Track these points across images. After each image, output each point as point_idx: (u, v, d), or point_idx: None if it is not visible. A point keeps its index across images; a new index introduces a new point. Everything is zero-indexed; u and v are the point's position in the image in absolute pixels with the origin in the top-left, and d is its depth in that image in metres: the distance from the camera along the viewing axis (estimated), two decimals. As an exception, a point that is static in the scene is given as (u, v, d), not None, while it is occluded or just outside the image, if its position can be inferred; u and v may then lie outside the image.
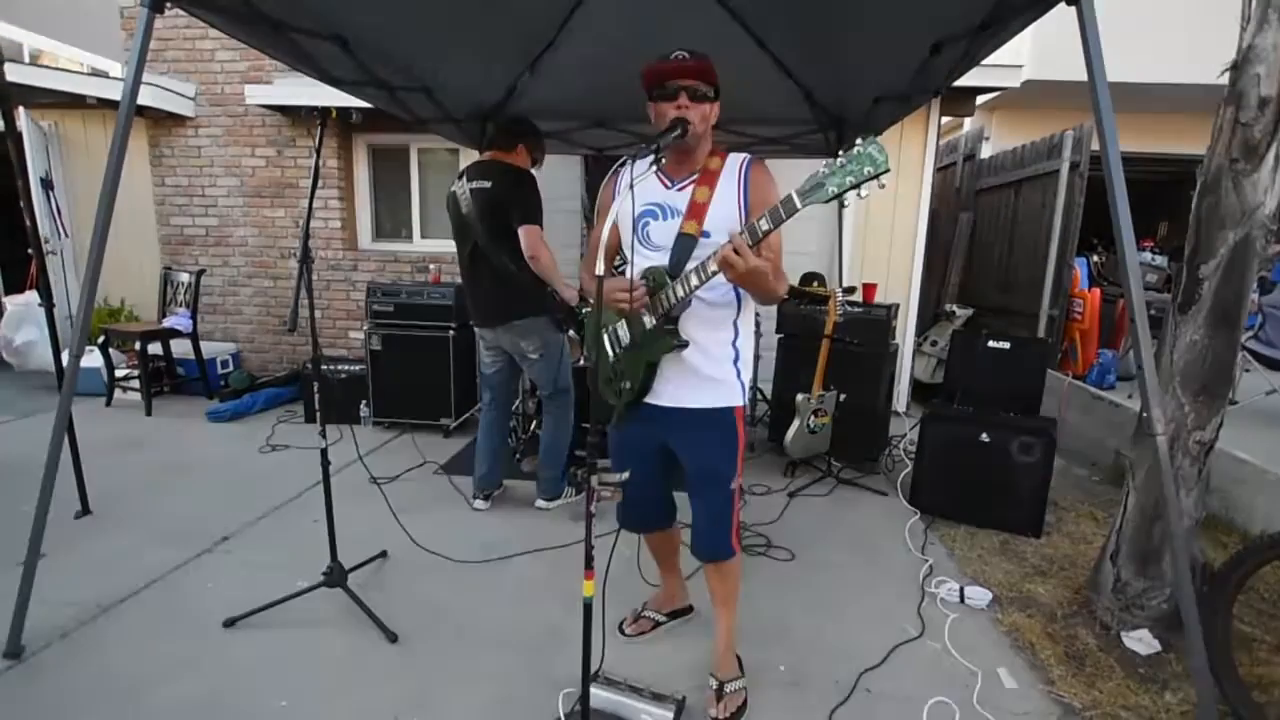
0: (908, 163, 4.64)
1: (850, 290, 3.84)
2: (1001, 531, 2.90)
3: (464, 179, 2.71)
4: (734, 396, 1.68)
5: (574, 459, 3.40)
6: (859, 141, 1.27)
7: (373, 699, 1.78)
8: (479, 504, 3.01)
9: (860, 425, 3.60)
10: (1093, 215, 5.27)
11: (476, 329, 2.91)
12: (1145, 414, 1.57)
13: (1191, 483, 2.10)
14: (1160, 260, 6.33)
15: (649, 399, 1.69)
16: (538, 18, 2.53)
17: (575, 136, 3.77)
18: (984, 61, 2.13)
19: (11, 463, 3.35)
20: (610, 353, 1.75)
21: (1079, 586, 2.44)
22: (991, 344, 3.19)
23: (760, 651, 2.02)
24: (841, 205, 1.31)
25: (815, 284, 4.03)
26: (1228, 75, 1.95)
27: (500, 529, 2.83)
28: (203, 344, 4.73)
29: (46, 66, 5.68)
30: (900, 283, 4.80)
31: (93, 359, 4.43)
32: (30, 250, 2.95)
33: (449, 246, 5.14)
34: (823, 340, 3.39)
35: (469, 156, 4.67)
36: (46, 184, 5.05)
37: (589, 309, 2.52)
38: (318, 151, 2.06)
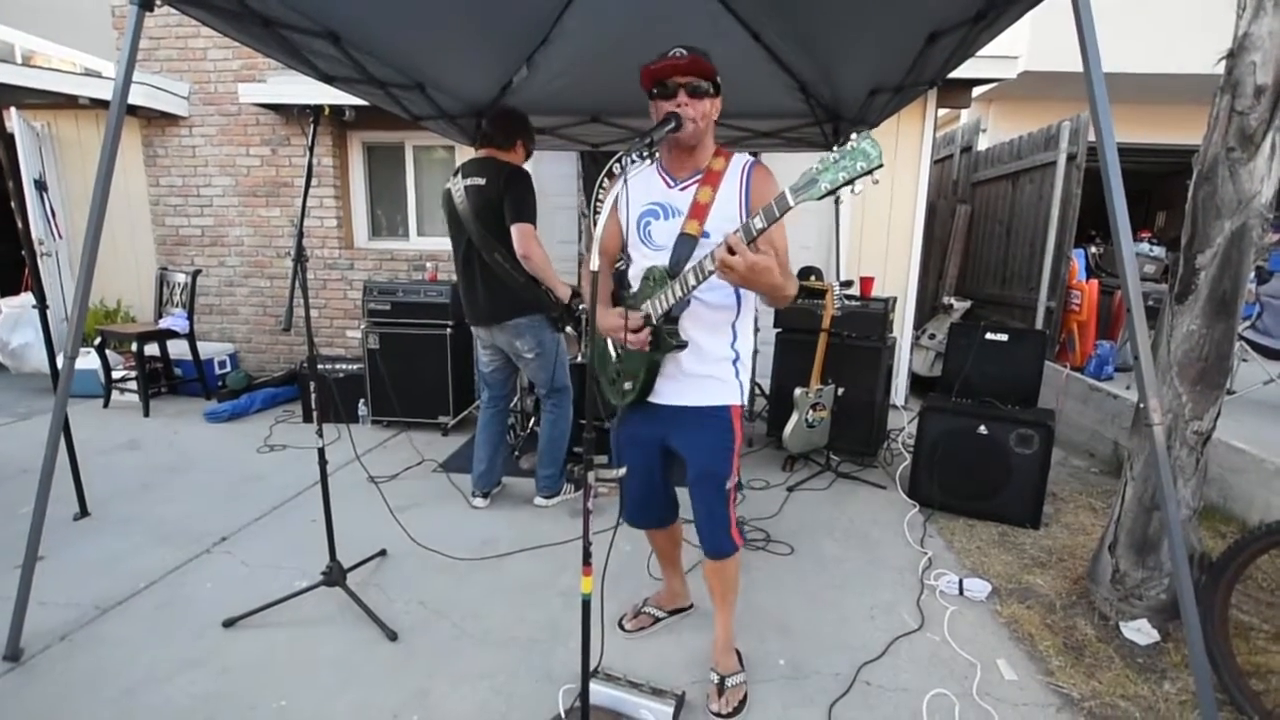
0: (904, 155, 4.63)
1: (847, 284, 3.84)
2: (1000, 523, 2.91)
3: (459, 176, 2.70)
4: (732, 395, 1.69)
5: (573, 456, 3.41)
6: (853, 137, 1.27)
7: (372, 697, 1.78)
8: (478, 502, 3.01)
9: (858, 419, 3.61)
10: (1090, 207, 5.27)
11: (473, 328, 2.90)
12: (1143, 404, 1.57)
13: (1189, 472, 2.10)
14: (1158, 251, 6.33)
15: (650, 398, 1.70)
16: (532, 13, 2.52)
17: (570, 132, 3.75)
18: (980, 52, 2.12)
19: (9, 465, 3.34)
20: (613, 354, 1.75)
21: (1078, 577, 2.45)
22: (989, 336, 3.19)
23: (760, 645, 2.03)
24: (837, 201, 1.30)
25: (812, 278, 4.02)
26: (1224, 64, 1.94)
27: (499, 526, 2.83)
28: (200, 344, 4.72)
29: (39, 67, 5.64)
30: (898, 276, 4.79)
31: (89, 361, 4.42)
32: (24, 252, 2.94)
33: (445, 244, 5.14)
34: (820, 334, 3.39)
35: (465, 154, 4.66)
36: (40, 185, 5.03)
37: (585, 306, 2.53)
38: (311, 149, 2.05)
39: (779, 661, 1.98)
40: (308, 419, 4.22)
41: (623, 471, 1.42)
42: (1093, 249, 5.85)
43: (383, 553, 2.54)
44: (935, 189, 6.17)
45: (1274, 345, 4.08)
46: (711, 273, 1.44)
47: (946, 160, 6.74)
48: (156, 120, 5.09)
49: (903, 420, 4.40)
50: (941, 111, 5.02)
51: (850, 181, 1.26)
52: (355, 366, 4.21)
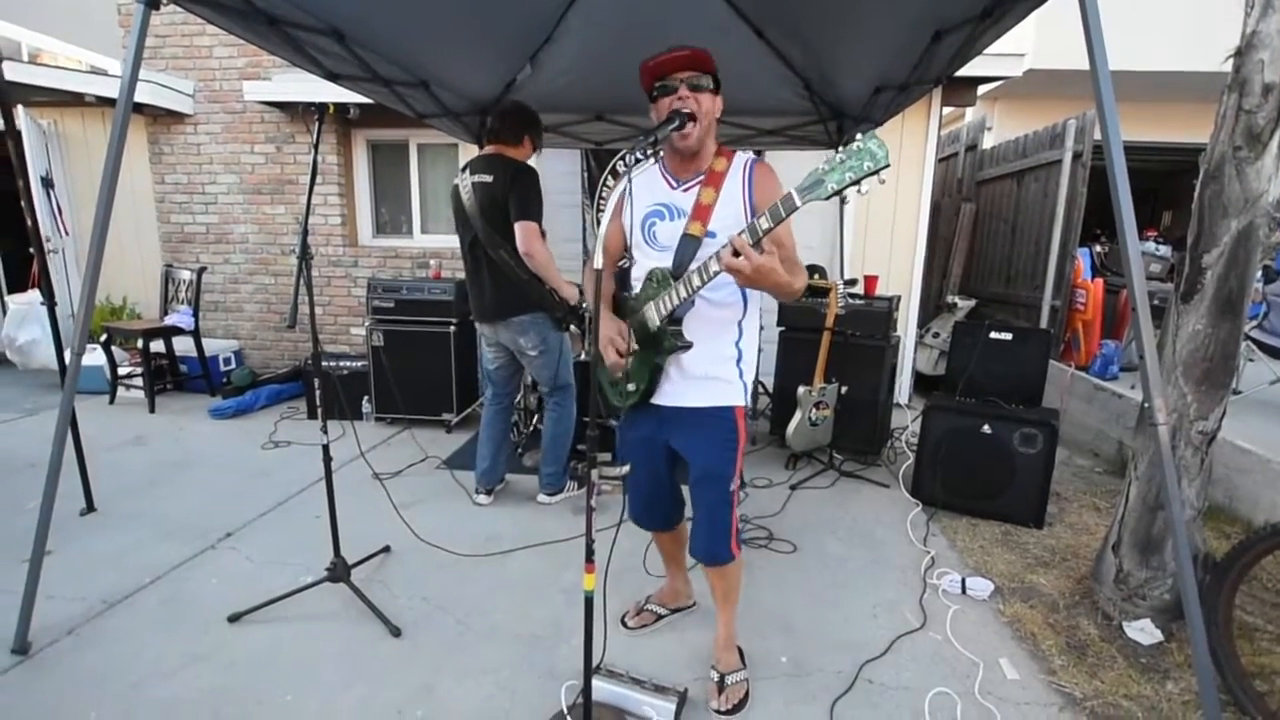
0: (909, 153, 4.61)
1: (851, 282, 3.84)
2: (1003, 522, 2.90)
3: (467, 172, 2.70)
4: (735, 396, 1.68)
5: (576, 454, 3.41)
6: (859, 136, 1.26)
7: (376, 692, 1.79)
8: (481, 499, 3.02)
9: (862, 418, 3.60)
10: (1096, 205, 5.25)
11: (477, 325, 2.91)
12: (1147, 404, 1.56)
13: (1194, 472, 2.10)
14: (1164, 250, 6.30)
15: (654, 399, 1.70)
16: (536, 10, 2.52)
17: (574, 130, 3.76)
18: (986, 50, 2.11)
19: (16, 461, 3.37)
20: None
21: (1081, 577, 2.44)
22: (994, 335, 3.17)
23: (762, 643, 2.03)
24: (843, 201, 1.30)
25: (816, 276, 4.01)
26: (1231, 62, 1.93)
27: (502, 523, 2.84)
28: (205, 341, 4.75)
29: (45, 65, 5.66)
30: (902, 274, 4.78)
31: (95, 357, 4.45)
32: (32, 249, 2.96)
33: (449, 242, 5.16)
34: (824, 333, 3.38)
35: (468, 151, 4.66)
36: (47, 183, 5.05)
37: (589, 305, 2.52)
38: (315, 147, 2.06)
39: (781, 659, 1.98)
40: (312, 416, 4.24)
41: (626, 469, 1.42)
42: (1098, 248, 5.82)
43: (387, 549, 2.55)
44: (940, 187, 6.16)
45: (1280, 345, 4.06)
46: (717, 273, 1.44)
47: (951, 158, 6.72)
48: (162, 118, 5.11)
49: (906, 419, 4.39)
50: (946, 110, 5.01)
51: (857, 182, 1.26)
52: (359, 364, 4.23)
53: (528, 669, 1.90)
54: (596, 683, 1.68)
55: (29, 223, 2.88)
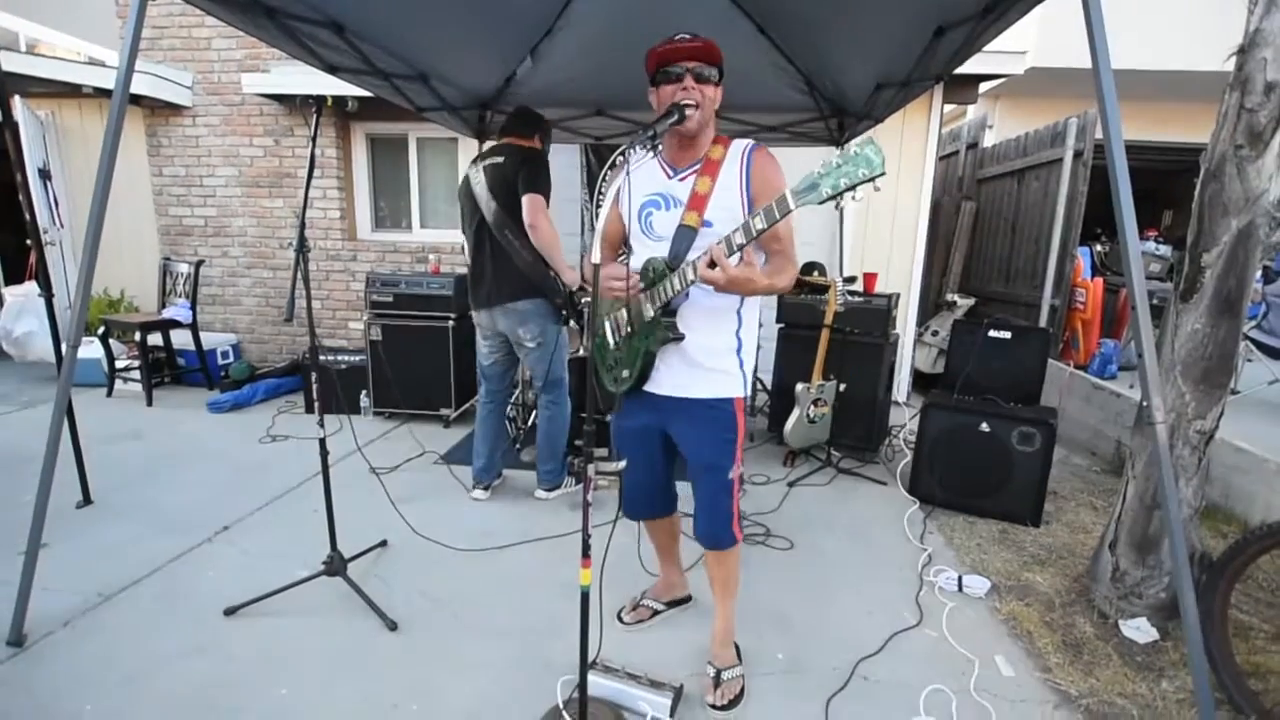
0: (910, 151, 4.61)
1: (851, 279, 3.83)
2: (1001, 521, 2.90)
3: (478, 161, 2.74)
4: (734, 388, 1.68)
5: (573, 449, 3.41)
6: (855, 142, 1.27)
7: (372, 686, 1.79)
8: (477, 494, 3.02)
9: (860, 415, 3.60)
10: (1096, 204, 5.24)
11: (475, 315, 2.91)
12: (1145, 402, 1.56)
13: (1191, 471, 2.10)
14: (1164, 250, 6.30)
15: (650, 387, 1.69)
16: (536, 4, 2.50)
17: (574, 125, 3.74)
18: (987, 48, 2.11)
19: (13, 453, 3.36)
20: (610, 342, 1.74)
21: (1077, 575, 2.45)
22: (993, 334, 3.17)
23: (758, 639, 2.03)
24: (837, 207, 1.29)
25: (816, 273, 4.01)
26: (1233, 60, 1.92)
27: (499, 518, 2.84)
28: (202, 335, 4.74)
29: (42, 55, 5.63)
30: (901, 272, 4.78)
31: (93, 350, 4.44)
32: (29, 241, 2.95)
33: (448, 236, 5.15)
34: (823, 330, 3.38)
35: (468, 145, 4.65)
36: (44, 174, 5.03)
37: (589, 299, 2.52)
38: (314, 140, 2.05)
39: (777, 655, 1.98)
40: (310, 410, 4.23)
41: (623, 465, 1.42)
42: (1098, 247, 5.82)
43: (384, 543, 2.55)
44: (940, 185, 6.14)
45: (1279, 345, 4.06)
46: (693, 282, 1.44)
47: (952, 157, 6.70)
48: (160, 110, 5.09)
49: (904, 417, 4.39)
50: (948, 107, 5.00)
51: (852, 188, 1.26)
52: (357, 358, 4.22)
53: (524, 663, 1.90)
54: (592, 678, 1.69)
55: (26, 215, 2.87)
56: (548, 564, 2.46)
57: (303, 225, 1.98)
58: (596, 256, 1.35)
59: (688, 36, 1.52)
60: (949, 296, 5.56)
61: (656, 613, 2.14)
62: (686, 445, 1.73)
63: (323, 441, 2.12)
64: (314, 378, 2.08)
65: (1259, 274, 3.98)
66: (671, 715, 1.68)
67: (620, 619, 2.10)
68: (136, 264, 5.36)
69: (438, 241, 5.11)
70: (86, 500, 2.82)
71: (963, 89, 4.64)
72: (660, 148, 1.52)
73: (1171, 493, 1.55)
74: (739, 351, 1.69)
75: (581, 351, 3.46)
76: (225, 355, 5.10)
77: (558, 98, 3.32)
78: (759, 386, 4.34)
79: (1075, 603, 2.30)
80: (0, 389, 4.57)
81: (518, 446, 3.64)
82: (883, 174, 1.24)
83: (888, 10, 2.17)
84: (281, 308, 5.27)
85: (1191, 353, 2.05)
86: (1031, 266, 5.16)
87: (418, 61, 2.80)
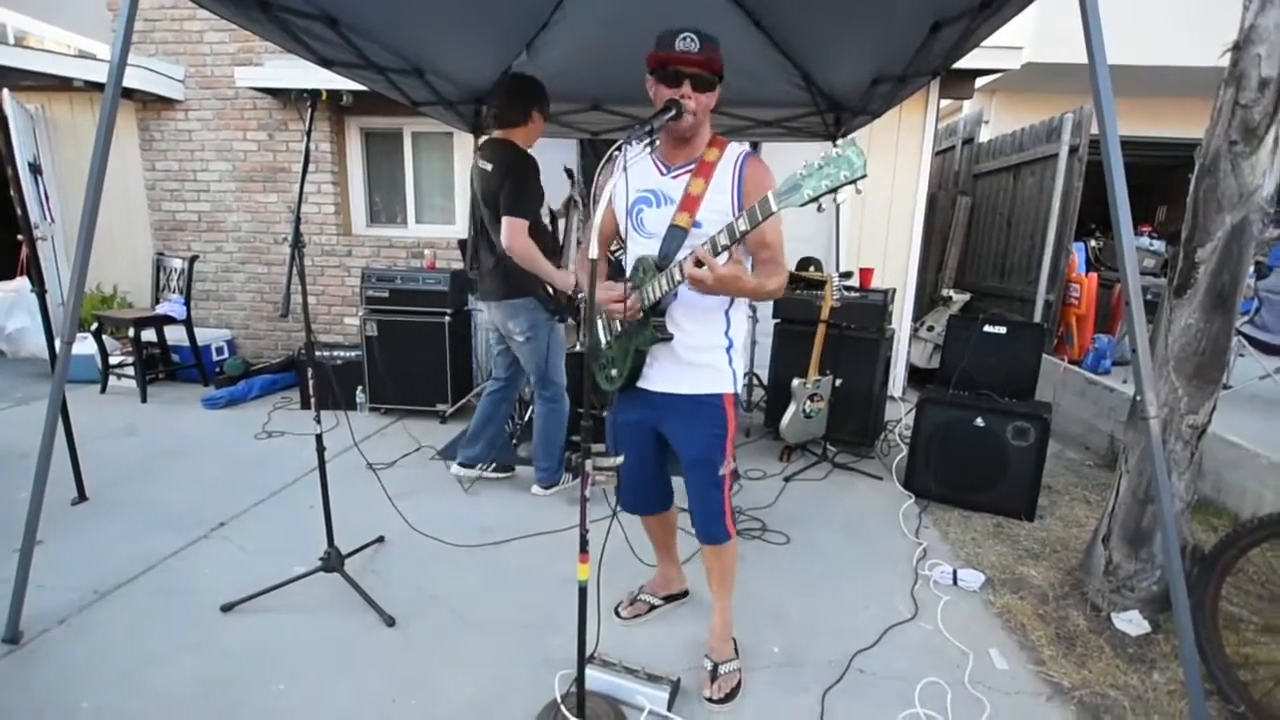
0: (906, 146, 4.61)
1: (847, 275, 3.83)
2: (995, 515, 2.92)
3: (479, 154, 2.74)
4: (724, 383, 1.69)
5: (571, 445, 3.41)
6: (838, 144, 1.27)
7: (370, 681, 1.80)
8: (454, 467, 3.08)
9: (856, 410, 3.62)
10: (1091, 200, 5.25)
11: (476, 304, 2.94)
12: (1139, 397, 1.57)
13: (1183, 466, 2.12)
14: (1158, 245, 6.33)
15: (642, 384, 1.70)
16: (531, -3, 2.49)
17: (571, 120, 3.73)
18: (984, 43, 2.11)
19: (7, 450, 3.34)
20: (602, 340, 1.75)
21: (1071, 569, 2.47)
22: (988, 329, 3.19)
23: (755, 633, 2.04)
24: (819, 209, 1.29)
25: (811, 269, 4.02)
26: (1229, 56, 1.93)
27: (497, 514, 2.84)
28: (197, 330, 4.71)
29: (31, 48, 5.57)
30: (897, 267, 4.78)
31: (87, 346, 4.41)
32: (20, 236, 2.92)
33: (444, 231, 5.13)
34: (819, 325, 3.39)
35: (463, 140, 4.62)
36: (35, 168, 4.98)
37: (584, 295, 2.52)
38: (308, 134, 2.04)
39: (773, 649, 1.99)
40: (305, 406, 4.22)
41: (620, 460, 1.43)
42: (1093, 242, 5.85)
43: (380, 539, 2.55)
44: (936, 180, 6.16)
45: (1272, 340, 4.09)
46: (680, 282, 1.44)
47: (948, 152, 6.71)
48: (152, 104, 5.04)
49: (900, 412, 4.41)
50: (944, 102, 4.99)
51: (833, 190, 1.26)
52: (353, 354, 4.21)
53: (522, 658, 1.90)
54: (590, 672, 1.69)
55: (17, 210, 2.84)
56: (545, 559, 2.47)
57: (298, 220, 1.97)
58: (594, 251, 1.35)
59: (693, 40, 1.50)
60: (944, 292, 5.57)
61: (654, 607, 2.15)
62: (677, 440, 1.74)
63: (319, 437, 2.12)
64: (310, 373, 2.07)
65: (1252, 269, 4.00)
66: (669, 708, 1.70)
67: (618, 614, 2.11)
68: (130, 259, 5.32)
69: (433, 237, 5.09)
70: (82, 497, 2.81)
71: (959, 84, 4.64)
72: (657, 143, 1.52)
73: (1164, 487, 1.57)
74: (729, 350, 1.70)
75: (579, 347, 3.46)
76: (220, 351, 5.08)
77: (554, 92, 3.27)
78: (755, 381, 4.35)
79: (1068, 596, 2.32)
80: (-7, 385, 4.54)
81: (515, 442, 3.64)
82: (864, 176, 1.24)
83: (884, 5, 2.17)
84: (276, 303, 5.25)
85: (1185, 348, 2.06)
86: (1026, 262, 5.18)
87: (413, 55, 2.78)
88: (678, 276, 1.49)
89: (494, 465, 3.17)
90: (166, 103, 5.03)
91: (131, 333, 4.30)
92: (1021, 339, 3.15)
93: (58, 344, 1.88)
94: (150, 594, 2.18)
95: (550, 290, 2.74)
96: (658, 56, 1.52)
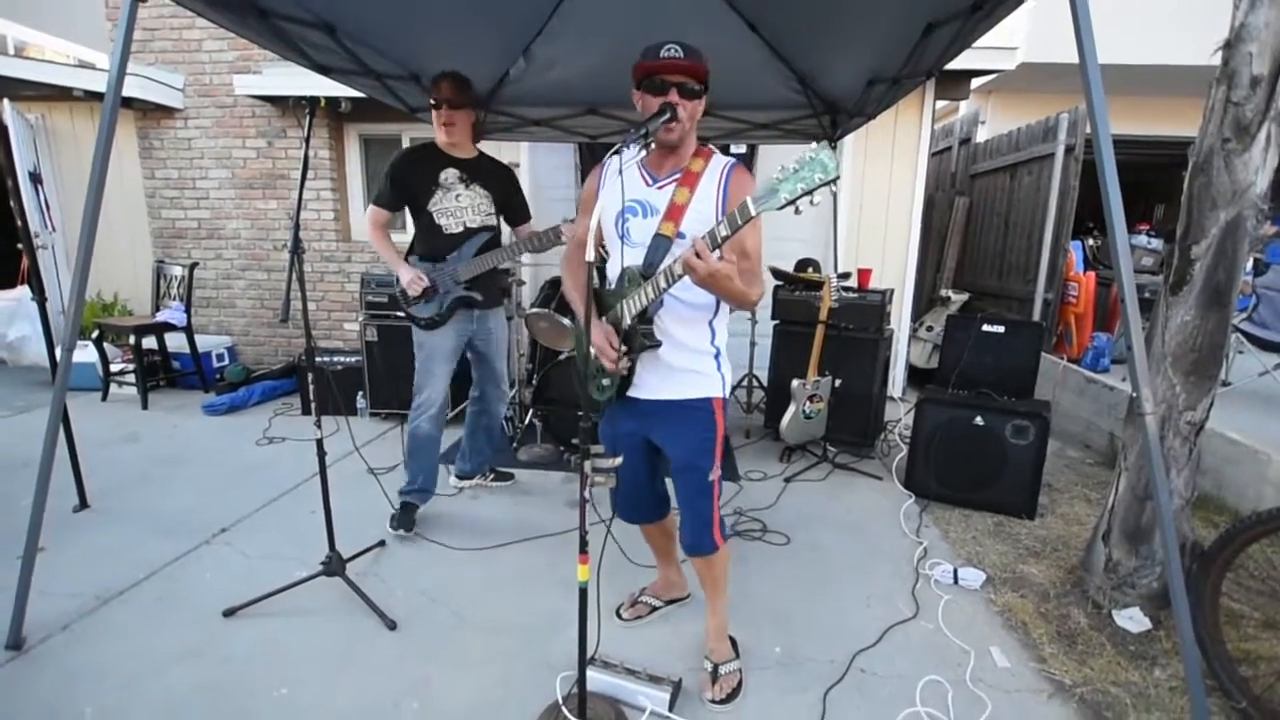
0: (903, 147, 4.62)
1: (845, 276, 3.84)
2: (995, 514, 2.93)
3: None
4: (713, 388, 1.69)
5: (569, 446, 3.43)
6: (810, 148, 1.28)
7: (372, 685, 1.80)
8: (453, 481, 3.10)
9: (856, 410, 3.62)
10: (1089, 199, 5.27)
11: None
12: (1136, 394, 1.58)
13: (1182, 462, 2.12)
14: (1155, 243, 6.34)
15: (633, 393, 1.70)
16: (529, 3, 2.50)
17: (567, 124, 3.74)
18: (978, 43, 2.12)
19: (9, 458, 3.35)
20: (592, 350, 1.75)
21: (1072, 567, 2.47)
22: (986, 328, 3.20)
23: (756, 633, 2.05)
24: (796, 211, 1.31)
25: (810, 270, 4.03)
26: (1220, 54, 1.94)
27: (497, 517, 2.85)
28: (197, 337, 4.72)
29: (31, 58, 5.60)
30: (895, 268, 4.79)
31: (88, 354, 4.42)
32: (20, 245, 2.94)
33: (443, 236, 5.13)
34: (818, 326, 3.39)
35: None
36: (35, 178, 5.01)
37: (420, 299, 2.56)
38: (307, 141, 2.05)
39: (774, 649, 2.00)
40: (306, 411, 4.23)
41: (619, 461, 1.43)
42: (1090, 241, 5.86)
43: (382, 543, 2.55)
44: (934, 181, 6.17)
45: (1270, 337, 4.09)
46: (681, 275, 1.45)
47: (945, 152, 6.73)
48: (152, 113, 5.06)
49: (899, 412, 4.41)
50: (940, 103, 5.01)
51: (809, 193, 1.28)
52: (353, 359, 4.21)
53: (523, 660, 1.91)
54: (591, 673, 1.70)
55: (18, 219, 2.86)
56: (546, 562, 2.47)
57: (297, 227, 1.98)
58: (590, 255, 1.36)
59: (678, 49, 1.51)
60: (943, 292, 5.58)
61: (655, 609, 2.15)
62: (667, 446, 1.75)
63: (320, 442, 2.13)
64: (310, 379, 2.08)
65: (1249, 266, 4.01)
66: (670, 709, 1.70)
67: (619, 615, 2.12)
68: (130, 267, 5.34)
69: (432, 242, 5.10)
70: (83, 504, 2.81)
71: (955, 85, 4.66)
72: (653, 146, 1.53)
73: (1162, 483, 1.57)
74: (717, 357, 1.71)
75: (567, 353, 3.47)
76: (220, 358, 5.09)
77: (551, 97, 3.32)
78: (755, 383, 4.36)
79: (1069, 594, 2.32)
80: (-6, 394, 4.55)
81: (515, 445, 3.65)
82: (837, 178, 1.28)
83: (878, 7, 2.19)
84: (276, 310, 5.24)
85: (1181, 344, 2.07)
86: (1024, 261, 5.19)
87: (410, 62, 2.80)
88: (662, 284, 1.50)
89: (493, 475, 3.17)
90: (166, 111, 5.06)
91: (132, 340, 4.31)
92: (1020, 338, 3.16)
93: (58, 351, 1.89)
94: (152, 600, 2.18)
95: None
96: (645, 67, 1.54)
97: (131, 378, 4.41)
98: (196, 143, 5.14)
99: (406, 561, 2.46)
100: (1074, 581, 2.38)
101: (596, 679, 1.74)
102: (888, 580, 2.40)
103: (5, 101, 4.79)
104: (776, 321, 3.82)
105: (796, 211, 1.31)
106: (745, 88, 3.02)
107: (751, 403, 4.39)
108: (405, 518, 2.65)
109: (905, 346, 4.98)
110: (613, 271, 1.70)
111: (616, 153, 1.45)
